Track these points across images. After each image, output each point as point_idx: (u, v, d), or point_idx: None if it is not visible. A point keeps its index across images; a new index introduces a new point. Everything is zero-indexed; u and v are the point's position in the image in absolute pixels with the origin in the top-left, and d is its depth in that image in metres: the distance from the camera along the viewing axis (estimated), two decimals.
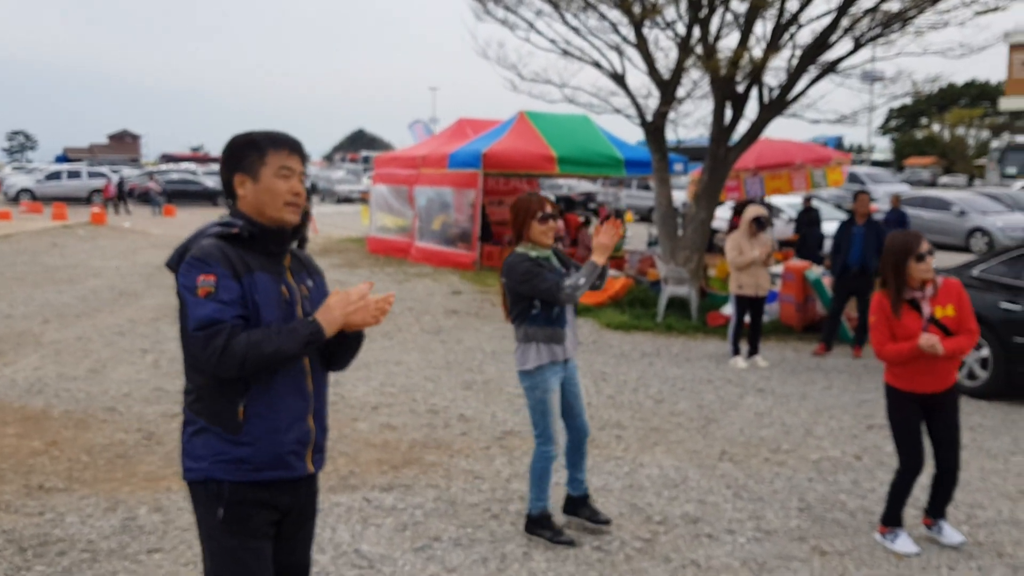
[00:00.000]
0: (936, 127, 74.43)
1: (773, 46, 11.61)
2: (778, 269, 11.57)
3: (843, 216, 19.75)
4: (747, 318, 9.55)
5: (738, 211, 16.37)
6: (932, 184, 43.04)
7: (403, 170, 18.89)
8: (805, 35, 30.23)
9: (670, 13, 12.05)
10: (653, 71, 12.40)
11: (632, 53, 12.54)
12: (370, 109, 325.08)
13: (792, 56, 11.84)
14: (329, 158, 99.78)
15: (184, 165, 53.78)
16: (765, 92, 12.03)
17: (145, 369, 8.65)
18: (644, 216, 28.40)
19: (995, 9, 11.01)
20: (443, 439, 6.67)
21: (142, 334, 10.32)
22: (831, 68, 11.91)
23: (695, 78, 12.29)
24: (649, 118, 12.64)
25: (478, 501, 5.42)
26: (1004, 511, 5.52)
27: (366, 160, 66.96)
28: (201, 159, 65.24)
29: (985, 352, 8.20)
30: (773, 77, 12.12)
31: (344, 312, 2.58)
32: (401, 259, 18.27)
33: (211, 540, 2.64)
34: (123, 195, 34.68)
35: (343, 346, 2.76)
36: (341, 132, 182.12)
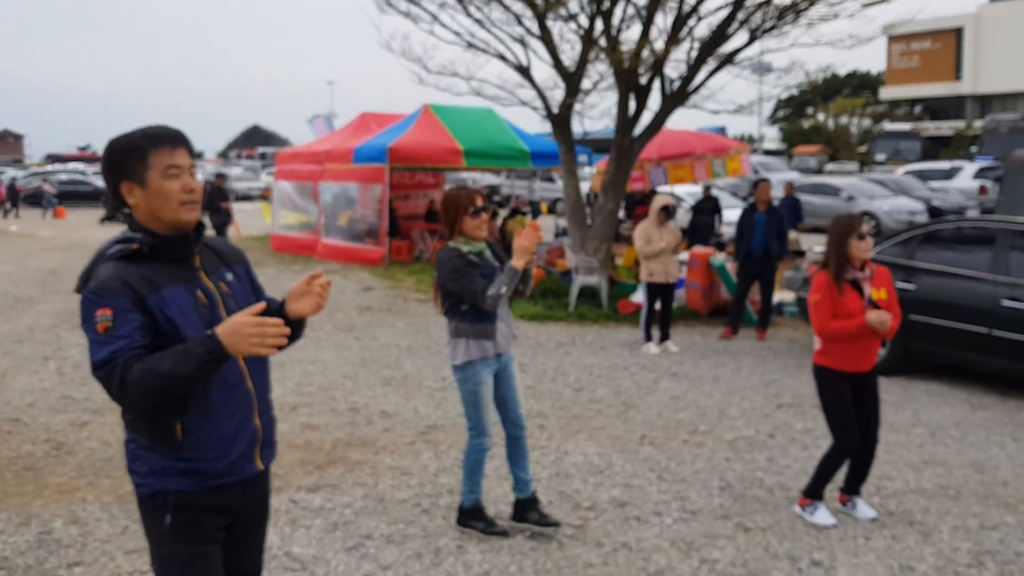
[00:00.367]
0: (821, 116, 77.38)
1: (673, 38, 11.87)
2: (684, 256, 11.86)
3: (740, 204, 20.37)
4: (658, 305, 9.77)
5: (639, 202, 16.68)
6: (819, 171, 44.74)
7: (306, 166, 18.58)
8: (703, 28, 30.93)
9: (573, 5, 12.18)
10: (558, 63, 12.52)
11: (537, 45, 12.65)
12: (265, 104, 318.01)
13: (691, 48, 12.14)
14: (224, 155, 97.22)
15: (72, 165, 51.57)
16: (667, 84, 12.30)
17: (48, 377, 8.29)
18: (548, 208, 28.67)
19: (882, 1, 11.51)
20: (367, 436, 6.62)
21: (42, 341, 9.88)
22: (728, 60, 12.25)
23: (600, 70, 12.47)
24: (555, 110, 12.76)
25: (407, 497, 5.40)
26: (911, 481, 5.81)
27: (263, 157, 65.50)
28: (89, 158, 62.67)
29: None
30: (674, 69, 12.40)
31: (249, 344, 2.31)
32: (307, 256, 17.98)
33: (159, 546, 2.56)
34: (15, 198, 33.05)
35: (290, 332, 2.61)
36: (236, 128, 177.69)
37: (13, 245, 21.30)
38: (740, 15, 11.71)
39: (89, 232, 25.50)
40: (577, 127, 13.07)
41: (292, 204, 19.70)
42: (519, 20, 12.46)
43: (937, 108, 76.99)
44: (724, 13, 11.78)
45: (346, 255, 17.11)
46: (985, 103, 74.76)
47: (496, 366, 4.74)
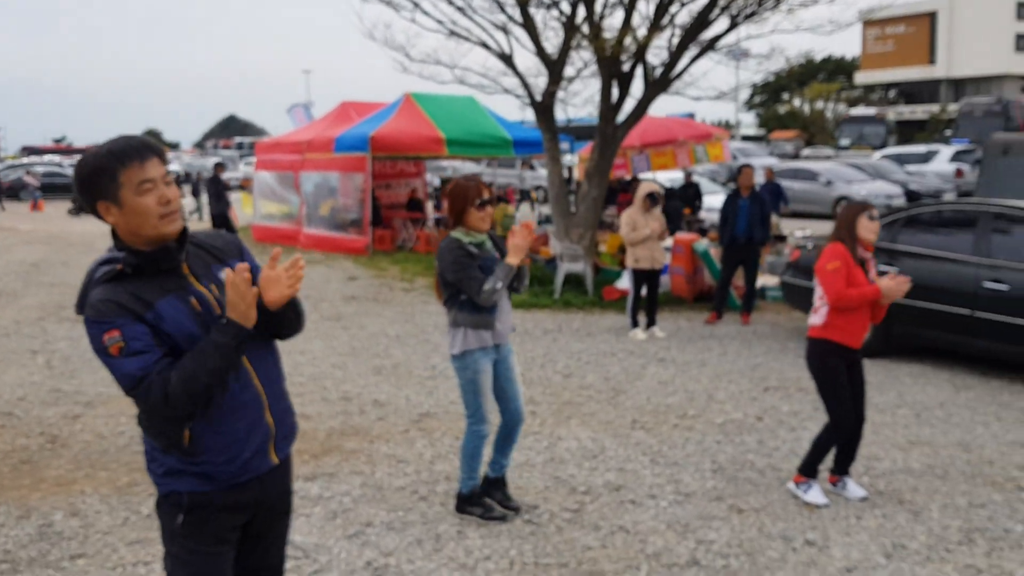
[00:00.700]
0: (797, 102, 77.81)
1: (656, 25, 11.91)
2: (669, 243, 11.94)
3: (720, 190, 20.50)
4: (644, 291, 9.84)
5: (619, 190, 16.72)
6: (795, 156, 45.06)
7: (287, 156, 18.49)
8: (685, 15, 30.99)
9: None
10: (541, 51, 12.54)
11: (520, 33, 12.65)
12: (241, 94, 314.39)
13: (673, 35, 12.19)
14: (201, 146, 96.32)
15: (48, 157, 50.94)
16: (649, 71, 12.35)
17: (38, 371, 8.24)
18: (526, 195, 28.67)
19: None
20: (360, 425, 6.65)
21: (29, 335, 9.81)
22: (710, 46, 12.32)
23: (583, 57, 12.50)
24: (538, 98, 12.78)
25: (405, 484, 5.45)
26: (899, 460, 5.93)
27: (240, 147, 64.98)
28: (65, 151, 61.90)
29: None
30: (656, 56, 12.46)
31: (246, 303, 2.38)
32: (290, 246, 17.93)
33: (171, 544, 2.58)
34: (1, 190, 32.71)
35: (279, 320, 2.59)
36: (212, 118, 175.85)
37: None
38: (721, 1, 11.77)
39: (67, 225, 25.28)
40: (560, 114, 13.12)
41: (273, 194, 19.61)
42: (501, 7, 12.46)
43: (912, 92, 77.54)
44: (705, 0, 11.83)
45: (329, 244, 17.08)
46: (959, 87, 75.38)
47: (495, 356, 4.78)
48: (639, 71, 12.32)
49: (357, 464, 5.81)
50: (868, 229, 5.15)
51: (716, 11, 11.85)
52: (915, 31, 78.50)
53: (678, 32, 12.14)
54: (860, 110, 54.10)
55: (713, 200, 18.24)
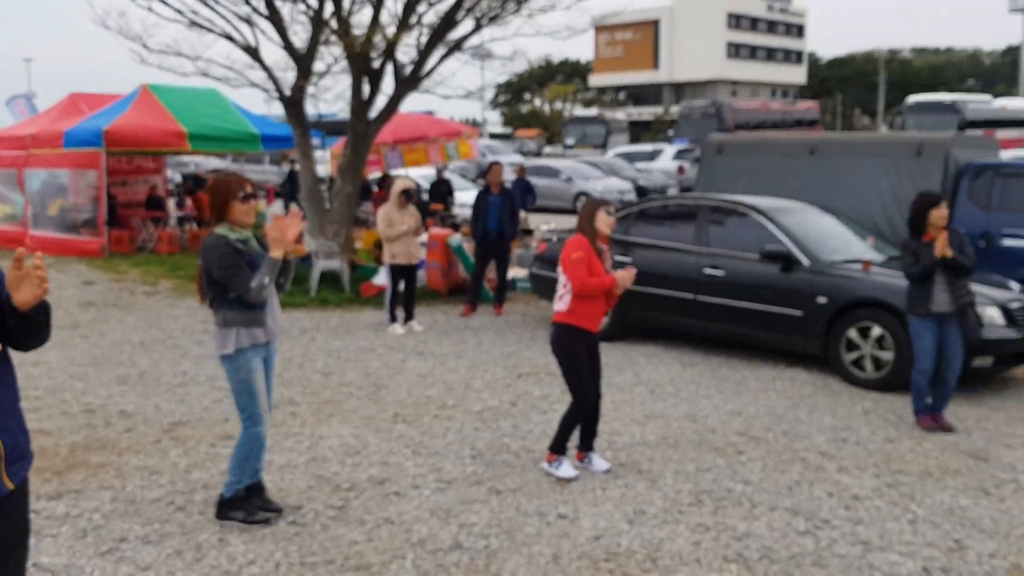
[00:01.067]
0: (538, 102, 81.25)
1: (404, 24, 12.08)
2: (424, 238, 12.17)
3: (471, 186, 21.09)
4: (401, 286, 10.00)
5: (370, 187, 16.78)
6: (538, 154, 47.13)
7: (8, 151, 16.85)
8: (432, 15, 31.44)
9: None
10: (288, 45, 12.33)
11: (266, 25, 12.35)
12: None
13: (421, 34, 12.43)
14: None
15: None
16: (399, 69, 12.50)
17: None
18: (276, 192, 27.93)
19: None
20: (107, 438, 6.29)
21: None
22: (456, 47, 12.68)
23: (333, 53, 12.43)
24: (287, 92, 12.56)
25: (159, 496, 5.24)
26: (636, 434, 6.48)
27: None
28: None
29: None
30: (405, 54, 12.64)
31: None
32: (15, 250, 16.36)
33: None
34: None
35: (29, 325, 2.47)
36: None
37: None
38: (466, 3, 12.14)
39: None
40: (311, 110, 12.96)
41: None
42: None
43: (639, 95, 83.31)
44: (451, 1, 12.15)
45: (60, 247, 15.77)
46: (680, 90, 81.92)
47: (264, 354, 4.73)
48: (389, 68, 12.44)
49: (106, 478, 5.51)
50: (605, 223, 5.59)
51: (462, 12, 12.21)
52: (641, 38, 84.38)
53: (426, 31, 12.39)
54: (583, 111, 57.48)
55: (464, 196, 18.75)
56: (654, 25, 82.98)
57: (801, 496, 5.30)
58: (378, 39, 11.70)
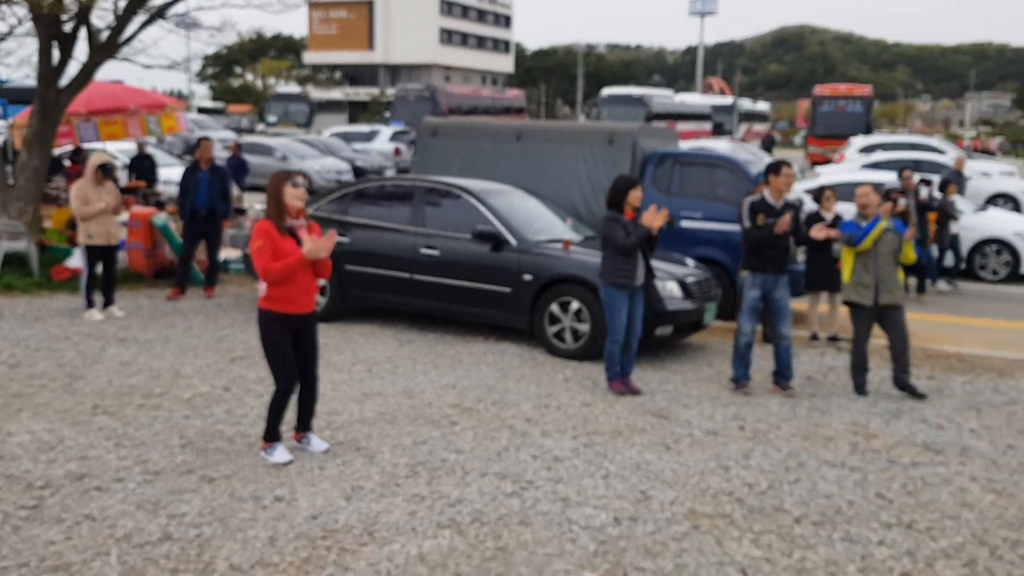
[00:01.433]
0: (250, 76, 78.21)
1: None
2: (124, 217, 11.38)
3: (177, 163, 19.95)
4: (99, 268, 9.31)
5: (73, 159, 15.41)
6: (251, 131, 45.44)
7: None
8: None
9: None
10: None
11: None
12: None
13: None
14: None
15: None
16: (95, 34, 11.54)
17: None
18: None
19: None
20: None
21: None
22: (159, 14, 11.93)
23: (17, 14, 11.20)
24: None
25: None
26: (355, 412, 6.56)
27: None
28: None
29: (322, 281, 9.34)
30: (101, 19, 11.69)
31: None
32: None
33: None
34: None
35: None
36: None
37: None
38: None
39: None
40: None
41: None
42: None
43: (355, 74, 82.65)
44: None
45: None
46: (395, 72, 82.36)
47: None
48: (83, 33, 11.44)
49: None
50: (293, 196, 5.39)
51: None
52: (355, 18, 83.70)
53: None
54: (286, 88, 56.09)
55: (170, 173, 17.70)
56: (368, 6, 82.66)
57: (509, 461, 5.65)
58: (70, 1, 10.72)
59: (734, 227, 9.06)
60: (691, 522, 4.83)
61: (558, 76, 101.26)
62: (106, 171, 9.09)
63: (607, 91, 43.74)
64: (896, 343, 7.36)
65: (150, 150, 17.47)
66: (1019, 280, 13.39)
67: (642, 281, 7.23)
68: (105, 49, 11.57)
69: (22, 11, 11.31)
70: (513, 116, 46.98)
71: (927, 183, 12.39)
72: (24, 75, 13.32)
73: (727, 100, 55.52)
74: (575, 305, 8.25)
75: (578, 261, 8.38)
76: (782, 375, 7.42)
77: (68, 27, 11.30)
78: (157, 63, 12.35)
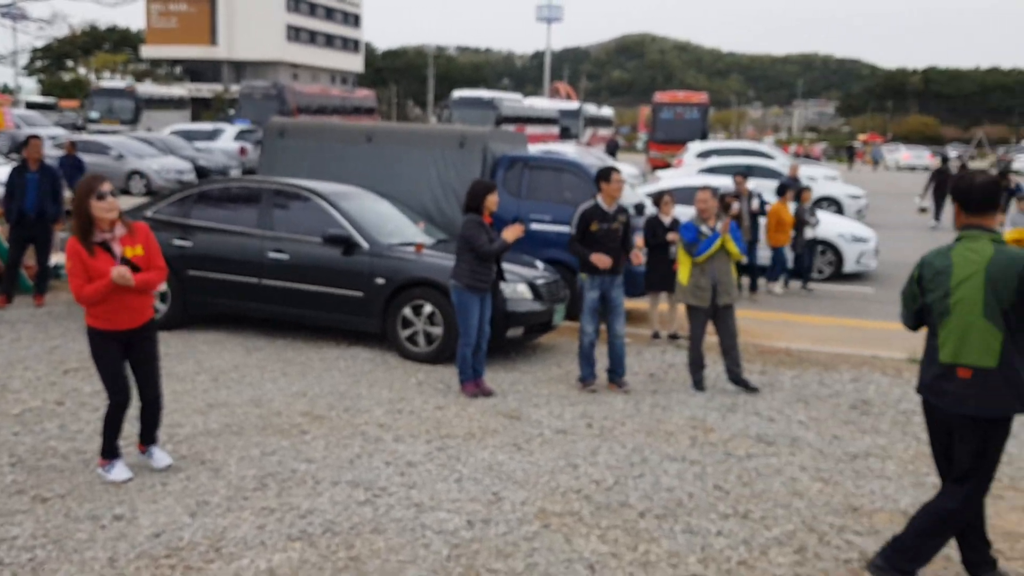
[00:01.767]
0: (83, 70, 74.04)
1: None
2: None
3: (2, 161, 18.66)
4: None
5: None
6: (83, 128, 42.94)
7: None
8: None
9: None
10: None
11: None
12: None
13: None
14: None
15: None
16: None
17: None
18: None
19: None
20: None
21: None
22: None
23: None
24: None
25: None
26: (199, 424, 6.34)
27: None
28: None
29: (163, 287, 8.98)
30: None
31: None
32: None
33: None
34: None
35: None
36: None
37: None
38: None
39: None
40: None
41: None
42: None
43: (197, 70, 79.66)
44: None
45: None
46: (240, 69, 79.93)
47: None
48: None
49: None
50: (101, 210, 5.01)
51: None
52: (196, 12, 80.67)
53: None
54: (110, 83, 53.15)
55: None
56: (210, 0, 79.81)
57: (361, 468, 5.61)
58: None
59: None
60: (541, 521, 4.95)
61: (409, 77, 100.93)
62: None
63: (457, 93, 43.93)
64: (726, 339, 7.78)
65: None
66: (842, 279, 14.37)
67: (490, 284, 7.37)
68: None
69: None
70: (363, 116, 46.49)
71: (759, 196, 13.00)
72: None
73: (574, 105, 56.88)
74: (428, 308, 8.27)
75: (431, 264, 8.40)
76: (616, 372, 7.70)
77: None
78: None
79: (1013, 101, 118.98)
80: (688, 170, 22.55)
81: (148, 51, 78.88)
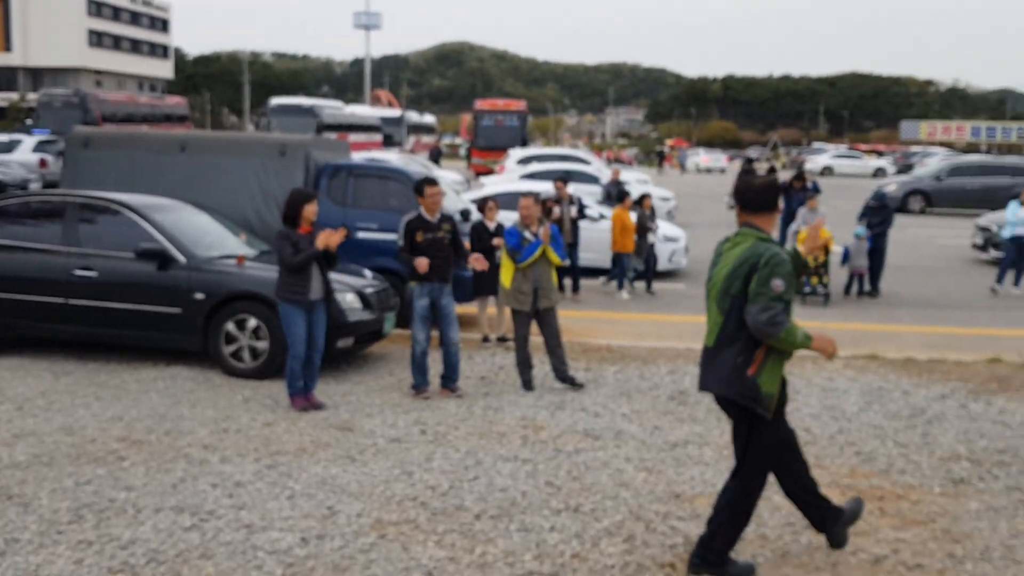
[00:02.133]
0: None
1: None
2: None
3: None
4: None
5: None
6: None
7: None
8: None
9: None
10: None
11: None
12: None
13: None
14: None
15: None
16: None
17: None
18: None
19: None
20: None
21: None
22: None
23: None
24: None
25: None
26: (5, 457, 5.89)
27: None
28: None
29: None
30: None
31: None
32: None
33: None
34: None
35: None
36: None
37: None
38: None
39: None
40: None
41: None
42: None
43: None
44: None
45: None
46: (38, 76, 74.78)
47: None
48: None
49: None
50: None
51: None
52: None
53: None
54: None
55: None
56: (3, 3, 74.23)
57: (186, 492, 5.39)
58: None
59: None
60: (378, 532, 4.92)
61: (223, 83, 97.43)
62: None
63: (276, 101, 42.84)
64: (550, 339, 8.03)
65: None
66: (656, 277, 15.04)
67: (320, 295, 7.21)
68: None
69: None
70: (175, 124, 44.44)
71: (579, 200, 13.40)
72: None
73: (396, 112, 56.69)
74: (252, 322, 8.03)
75: (253, 277, 8.16)
76: (449, 378, 7.77)
77: None
78: None
79: (803, 106, 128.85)
80: (511, 176, 22.96)
81: None
